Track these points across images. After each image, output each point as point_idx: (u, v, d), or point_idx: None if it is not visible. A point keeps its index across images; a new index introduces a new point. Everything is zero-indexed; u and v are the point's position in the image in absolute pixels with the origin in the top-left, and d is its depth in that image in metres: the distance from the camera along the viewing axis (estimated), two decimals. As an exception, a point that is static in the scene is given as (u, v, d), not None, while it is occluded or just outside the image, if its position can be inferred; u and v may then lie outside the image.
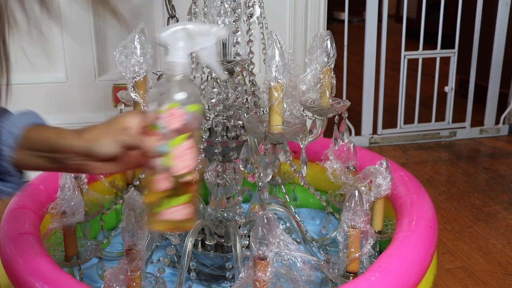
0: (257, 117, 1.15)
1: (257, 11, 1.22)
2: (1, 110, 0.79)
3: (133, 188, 1.10)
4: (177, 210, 0.74)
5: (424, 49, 2.32)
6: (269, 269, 0.92)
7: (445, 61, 2.37)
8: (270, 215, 0.93)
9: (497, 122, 2.46)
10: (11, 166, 0.76)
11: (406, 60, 2.29)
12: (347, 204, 1.06)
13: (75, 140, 0.74)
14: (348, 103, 1.20)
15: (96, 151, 0.74)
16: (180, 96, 0.73)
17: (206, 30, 0.75)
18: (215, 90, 1.18)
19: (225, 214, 1.27)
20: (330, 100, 1.18)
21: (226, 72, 1.16)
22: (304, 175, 1.23)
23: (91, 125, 0.76)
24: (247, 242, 1.16)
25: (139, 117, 0.76)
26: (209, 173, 1.26)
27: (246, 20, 1.19)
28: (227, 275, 1.24)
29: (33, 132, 0.77)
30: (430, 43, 2.33)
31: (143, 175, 1.29)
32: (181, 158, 0.73)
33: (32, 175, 1.24)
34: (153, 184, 0.74)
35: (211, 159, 1.26)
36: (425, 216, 1.19)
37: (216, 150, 1.18)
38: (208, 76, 1.27)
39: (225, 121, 1.20)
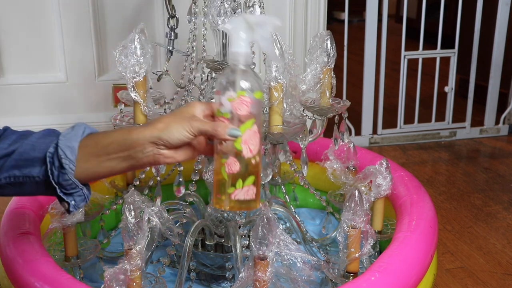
0: (257, 117, 1.14)
1: (257, 11, 1.23)
2: (51, 131, 0.82)
3: (133, 188, 1.10)
4: (247, 191, 0.80)
5: (424, 49, 2.32)
6: (269, 269, 0.92)
7: (445, 61, 2.37)
8: (270, 215, 0.93)
9: (497, 122, 2.46)
10: (75, 179, 0.79)
11: (406, 60, 2.29)
12: (347, 204, 1.06)
13: (147, 131, 0.78)
14: (348, 103, 1.20)
15: (170, 138, 0.77)
16: (247, 84, 0.78)
17: (264, 21, 0.79)
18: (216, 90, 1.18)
19: (225, 214, 1.27)
20: (330, 100, 1.18)
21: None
22: (304, 175, 1.23)
23: (158, 116, 0.81)
24: (247, 242, 1.16)
25: (204, 106, 0.81)
26: (209, 173, 1.26)
27: (246, 20, 1.19)
28: (227, 275, 1.24)
29: (102, 138, 0.80)
30: (430, 43, 2.33)
31: (143, 175, 1.29)
32: (250, 141, 0.79)
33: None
34: (225, 167, 0.79)
35: (210, 159, 1.26)
36: (425, 216, 1.19)
37: (216, 150, 1.18)
38: (208, 76, 1.27)
39: (225, 121, 1.20)
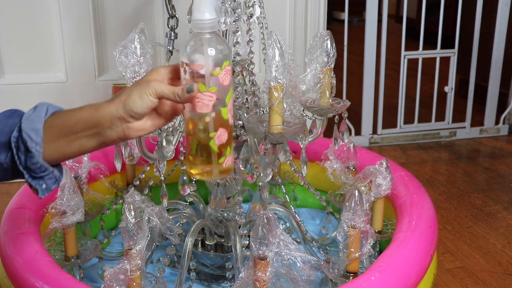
0: (257, 117, 1.14)
1: (257, 11, 1.22)
2: (13, 112, 0.79)
3: (133, 188, 1.10)
4: (231, 155, 0.81)
5: (424, 49, 2.32)
6: (269, 269, 0.92)
7: (445, 61, 2.37)
8: (270, 215, 0.93)
9: (497, 122, 2.46)
10: (44, 162, 0.76)
11: (406, 60, 2.29)
12: (347, 204, 1.06)
13: (113, 106, 0.76)
14: (348, 103, 1.20)
15: (134, 107, 0.75)
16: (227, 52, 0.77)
17: None
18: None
19: (225, 214, 1.27)
20: (330, 100, 1.18)
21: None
22: (304, 175, 1.23)
23: (123, 88, 0.79)
24: (247, 242, 1.16)
25: (167, 69, 0.79)
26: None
27: (246, 20, 1.19)
28: (227, 275, 1.24)
29: (68, 117, 0.77)
30: (430, 43, 2.33)
31: (143, 175, 1.29)
32: (231, 110, 0.79)
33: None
34: (214, 140, 0.78)
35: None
36: (425, 216, 1.19)
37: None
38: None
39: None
